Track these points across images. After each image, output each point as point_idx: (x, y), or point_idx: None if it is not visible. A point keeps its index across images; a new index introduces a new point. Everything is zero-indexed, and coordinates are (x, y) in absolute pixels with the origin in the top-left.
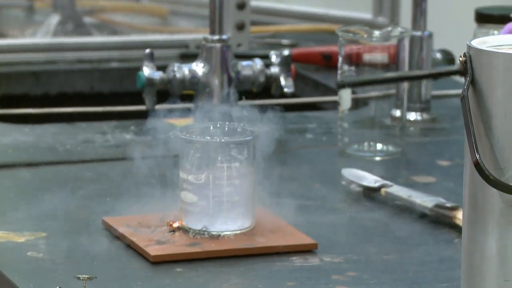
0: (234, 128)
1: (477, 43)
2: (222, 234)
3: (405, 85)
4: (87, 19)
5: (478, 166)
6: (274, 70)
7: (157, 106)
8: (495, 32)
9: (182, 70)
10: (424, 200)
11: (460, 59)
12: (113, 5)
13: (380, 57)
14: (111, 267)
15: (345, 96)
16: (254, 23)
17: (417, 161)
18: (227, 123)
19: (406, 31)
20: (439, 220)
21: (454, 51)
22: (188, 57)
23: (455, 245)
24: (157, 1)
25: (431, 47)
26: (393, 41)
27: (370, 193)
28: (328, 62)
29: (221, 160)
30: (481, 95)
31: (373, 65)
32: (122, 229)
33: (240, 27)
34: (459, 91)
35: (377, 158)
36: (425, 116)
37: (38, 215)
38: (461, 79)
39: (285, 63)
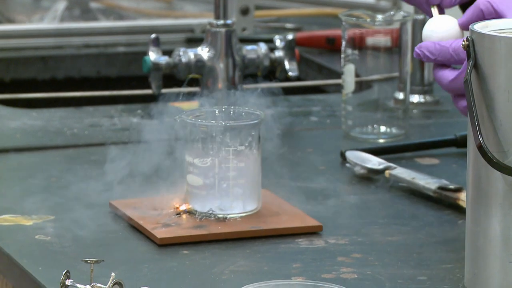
0: (239, 112)
1: (479, 27)
2: (228, 216)
3: (408, 67)
4: (94, 4)
5: (481, 148)
6: (279, 54)
7: (163, 90)
8: None
9: (188, 55)
10: (428, 182)
11: (463, 43)
12: None
13: (383, 40)
14: (118, 250)
15: (349, 79)
16: (258, 7)
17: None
18: (232, 107)
19: (408, 15)
20: (443, 202)
21: None
22: (193, 42)
23: (459, 226)
24: None
25: None
26: (396, 25)
27: (374, 175)
28: (331, 45)
29: (227, 143)
30: (484, 79)
31: (376, 49)
32: (129, 212)
33: (245, 11)
34: None
35: (381, 140)
36: (428, 98)
37: (46, 198)
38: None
39: (289, 47)
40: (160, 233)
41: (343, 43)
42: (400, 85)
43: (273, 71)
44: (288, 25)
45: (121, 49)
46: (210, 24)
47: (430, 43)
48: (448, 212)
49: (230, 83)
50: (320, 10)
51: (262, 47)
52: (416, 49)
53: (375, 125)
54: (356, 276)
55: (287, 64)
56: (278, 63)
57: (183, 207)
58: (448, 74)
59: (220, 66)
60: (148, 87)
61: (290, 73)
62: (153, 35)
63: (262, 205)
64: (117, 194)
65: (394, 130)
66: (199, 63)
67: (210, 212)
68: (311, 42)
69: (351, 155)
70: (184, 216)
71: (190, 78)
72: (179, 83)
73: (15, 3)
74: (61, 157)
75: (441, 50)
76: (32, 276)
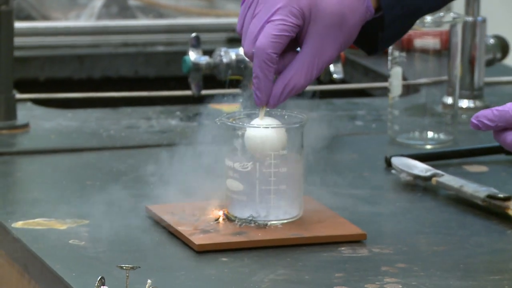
0: (282, 115)
1: None
2: (268, 223)
3: (458, 71)
4: (132, 2)
5: None
6: None
7: (203, 91)
8: None
9: (229, 55)
10: (476, 190)
11: None
12: None
13: (432, 43)
14: (154, 256)
15: (396, 82)
16: None
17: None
18: (274, 109)
19: (459, 16)
20: (491, 211)
21: (508, 37)
22: (235, 42)
23: (508, 236)
24: None
25: (485, 32)
26: (445, 27)
27: (421, 182)
28: None
29: None
30: None
31: (424, 51)
32: (166, 217)
33: None
34: None
35: (428, 146)
36: (478, 103)
37: (81, 202)
38: None
39: None
40: (198, 239)
41: None
42: (449, 89)
43: None
44: None
45: (160, 48)
46: None
47: (487, 111)
48: (496, 222)
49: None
50: None
51: None
52: (473, 120)
53: (422, 131)
54: (401, 286)
55: (331, 66)
56: None
57: (221, 213)
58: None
59: None
60: (188, 88)
61: (334, 76)
62: (193, 34)
63: (304, 212)
64: (154, 198)
65: (442, 136)
66: (240, 64)
67: (250, 218)
68: None
69: (397, 161)
70: (223, 222)
71: (231, 79)
72: (220, 84)
73: (51, 0)
74: (96, 159)
75: (500, 116)
76: (65, 282)
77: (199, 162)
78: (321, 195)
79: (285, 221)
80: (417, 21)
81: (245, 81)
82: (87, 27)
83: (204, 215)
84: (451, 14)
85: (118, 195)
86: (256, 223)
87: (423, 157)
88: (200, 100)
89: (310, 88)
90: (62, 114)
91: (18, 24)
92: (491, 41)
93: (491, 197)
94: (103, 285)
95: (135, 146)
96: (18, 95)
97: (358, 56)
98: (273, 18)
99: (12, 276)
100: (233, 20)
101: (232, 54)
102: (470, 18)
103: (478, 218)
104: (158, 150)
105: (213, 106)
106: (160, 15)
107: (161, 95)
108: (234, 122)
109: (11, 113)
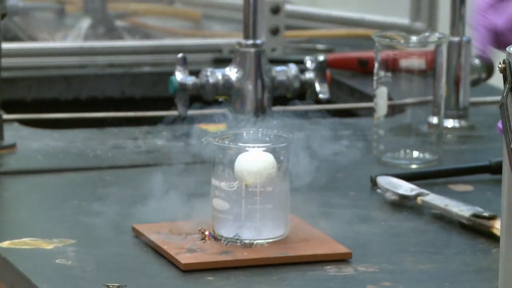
0: (268, 135)
1: None
2: (254, 242)
3: (443, 91)
4: (119, 23)
5: None
6: (309, 75)
7: (190, 112)
8: None
9: (216, 75)
10: (461, 209)
11: (499, 66)
12: (145, 9)
13: (417, 63)
14: (141, 275)
15: (381, 102)
16: (288, 27)
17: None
18: (260, 129)
19: (444, 36)
20: (477, 230)
21: (493, 58)
22: (221, 62)
23: (493, 255)
24: (190, 4)
25: (470, 53)
26: (431, 47)
27: (406, 201)
28: (364, 68)
29: None
30: None
31: (410, 71)
32: (152, 237)
33: (275, 31)
34: (497, 97)
35: (413, 166)
36: (463, 123)
37: (67, 222)
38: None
39: (320, 68)
40: (184, 258)
41: (376, 65)
42: (434, 109)
43: (303, 93)
44: (319, 46)
45: (147, 69)
46: (239, 44)
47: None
48: (481, 241)
49: (259, 105)
50: (352, 31)
51: (292, 69)
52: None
53: (407, 150)
54: None
55: (317, 86)
56: (308, 85)
57: (208, 232)
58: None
59: (249, 87)
60: (174, 108)
61: (320, 96)
62: (179, 55)
63: (290, 231)
64: (140, 218)
65: (427, 156)
66: (227, 84)
67: (236, 237)
68: (343, 64)
69: (383, 180)
70: (209, 241)
71: (218, 99)
72: (206, 105)
73: (38, 20)
74: (83, 179)
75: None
76: None
77: (185, 181)
78: (307, 214)
79: (271, 240)
80: (402, 41)
81: (231, 101)
82: (74, 48)
83: (190, 235)
84: (436, 34)
85: (104, 215)
86: (242, 242)
87: (409, 177)
88: (186, 120)
89: (295, 108)
90: (49, 135)
91: (5, 45)
92: (476, 61)
93: (476, 216)
94: None
95: (121, 166)
96: (5, 116)
97: (343, 76)
98: None
99: None
100: (219, 41)
101: (218, 75)
102: (455, 39)
103: (463, 237)
104: (145, 170)
105: (200, 126)
106: (147, 36)
107: (147, 115)
108: (220, 141)
109: None
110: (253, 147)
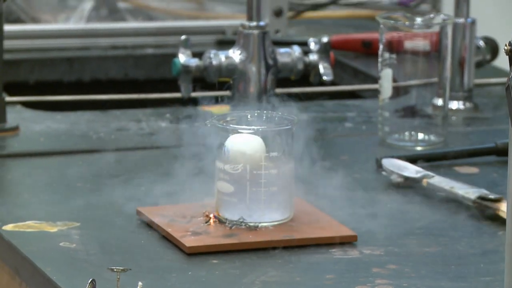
0: (272, 117)
1: None
2: (259, 225)
3: (448, 72)
4: (122, 4)
5: None
6: (313, 57)
7: (193, 94)
8: None
9: (219, 57)
10: (467, 192)
11: (505, 47)
12: None
13: (421, 44)
14: (145, 259)
15: (386, 84)
16: (292, 8)
17: None
18: (264, 111)
19: (448, 18)
20: (482, 212)
21: (498, 39)
22: (224, 44)
23: (499, 237)
24: None
25: (474, 34)
26: (435, 28)
27: (411, 183)
28: (368, 49)
29: None
30: None
31: (414, 53)
32: (157, 220)
33: (278, 13)
34: (502, 79)
35: (419, 148)
36: (468, 105)
37: (71, 204)
38: (503, 67)
39: (324, 50)
40: (189, 241)
41: (381, 46)
42: (439, 91)
43: (307, 75)
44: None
45: (150, 50)
46: (243, 25)
47: None
48: (487, 223)
49: (262, 87)
50: (357, 13)
51: (296, 50)
52: None
53: (412, 132)
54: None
55: (321, 68)
56: (312, 66)
57: (212, 215)
58: None
59: (252, 69)
60: (177, 90)
61: (324, 77)
62: (183, 37)
63: (295, 214)
64: (145, 200)
65: (432, 138)
66: (230, 66)
67: (241, 220)
68: (346, 46)
69: (388, 163)
70: (213, 224)
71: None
72: (210, 87)
73: (41, 2)
74: (86, 162)
75: None
76: (56, 284)
77: (190, 164)
78: (312, 197)
79: (276, 223)
80: (407, 23)
81: (235, 83)
82: (77, 29)
83: (195, 217)
84: (441, 16)
85: (108, 197)
86: (247, 225)
87: (414, 159)
88: (190, 102)
89: (300, 90)
90: (51, 117)
91: (8, 27)
92: (481, 43)
93: (482, 198)
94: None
95: (125, 148)
96: (8, 98)
97: (348, 58)
98: None
99: (3, 279)
100: (223, 22)
101: (222, 57)
102: (460, 20)
103: (469, 220)
104: (148, 152)
105: (204, 108)
106: (150, 18)
107: (151, 97)
108: (224, 124)
109: (0, 116)
110: (258, 129)
